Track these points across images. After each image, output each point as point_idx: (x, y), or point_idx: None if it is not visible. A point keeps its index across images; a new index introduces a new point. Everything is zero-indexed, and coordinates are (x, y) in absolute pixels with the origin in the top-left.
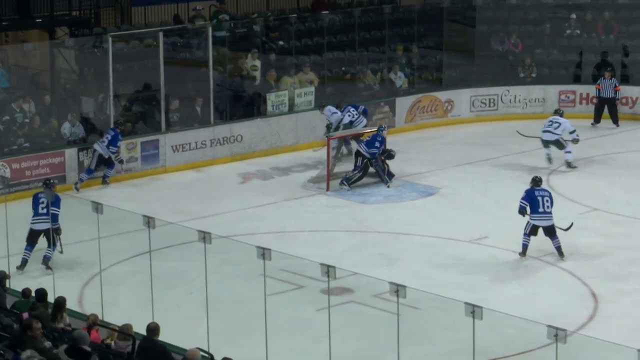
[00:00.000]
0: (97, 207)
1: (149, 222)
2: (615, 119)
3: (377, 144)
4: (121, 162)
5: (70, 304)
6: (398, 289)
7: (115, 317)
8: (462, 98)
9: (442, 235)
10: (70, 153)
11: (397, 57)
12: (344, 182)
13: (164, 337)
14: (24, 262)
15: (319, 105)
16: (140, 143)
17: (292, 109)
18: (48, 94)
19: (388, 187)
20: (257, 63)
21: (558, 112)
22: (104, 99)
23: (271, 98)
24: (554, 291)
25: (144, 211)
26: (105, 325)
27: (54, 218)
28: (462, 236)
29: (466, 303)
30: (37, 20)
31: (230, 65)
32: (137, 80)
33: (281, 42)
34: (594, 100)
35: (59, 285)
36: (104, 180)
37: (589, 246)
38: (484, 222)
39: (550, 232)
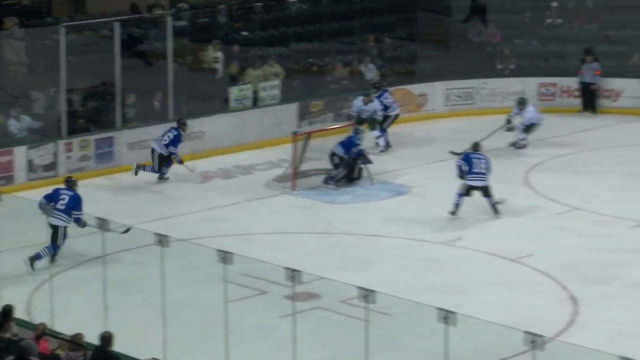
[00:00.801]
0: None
1: (103, 224)
2: (592, 105)
3: (354, 148)
4: (181, 162)
5: (18, 312)
6: (367, 294)
7: (66, 326)
8: (436, 91)
9: (414, 236)
10: (20, 151)
11: (367, 48)
12: (329, 180)
13: (118, 346)
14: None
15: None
16: (95, 140)
17: (256, 104)
18: None
19: (373, 184)
20: (219, 55)
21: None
22: (55, 93)
23: (234, 92)
24: (531, 295)
25: (98, 213)
26: (55, 335)
27: (77, 221)
28: (435, 237)
29: (439, 309)
30: None
31: (190, 57)
32: (91, 73)
33: (245, 33)
34: (578, 87)
35: (6, 293)
36: (162, 177)
37: (568, 247)
38: (458, 222)
39: (486, 192)
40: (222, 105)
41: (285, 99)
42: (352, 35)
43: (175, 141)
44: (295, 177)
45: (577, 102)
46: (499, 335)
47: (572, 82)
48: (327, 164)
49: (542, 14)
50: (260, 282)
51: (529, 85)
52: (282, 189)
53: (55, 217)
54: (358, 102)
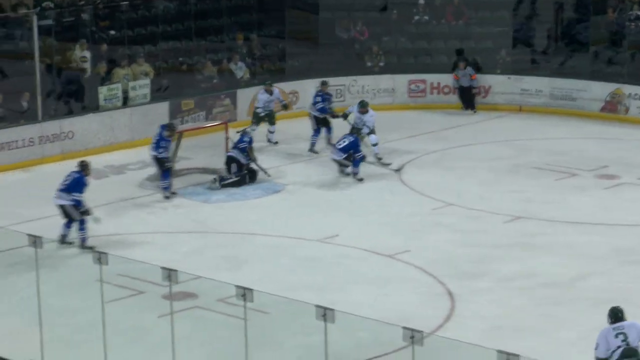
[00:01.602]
0: None
1: None
2: (472, 105)
3: (240, 144)
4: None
5: None
6: (245, 293)
7: None
8: (306, 89)
9: (289, 234)
10: None
11: (236, 46)
12: (221, 180)
13: None
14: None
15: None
16: None
17: (126, 103)
18: None
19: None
20: (87, 54)
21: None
22: None
23: (103, 91)
24: (408, 291)
25: None
26: None
27: (77, 203)
28: (310, 235)
29: (317, 306)
30: None
31: (58, 56)
32: None
33: (112, 32)
34: (455, 91)
35: None
36: (166, 195)
37: (443, 243)
38: (333, 219)
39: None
40: (91, 105)
41: (156, 98)
42: (221, 34)
43: (158, 144)
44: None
45: (447, 98)
46: (378, 331)
47: (442, 79)
48: (201, 163)
49: (409, 11)
50: (136, 282)
51: (398, 82)
52: (155, 189)
53: (56, 197)
54: (262, 95)
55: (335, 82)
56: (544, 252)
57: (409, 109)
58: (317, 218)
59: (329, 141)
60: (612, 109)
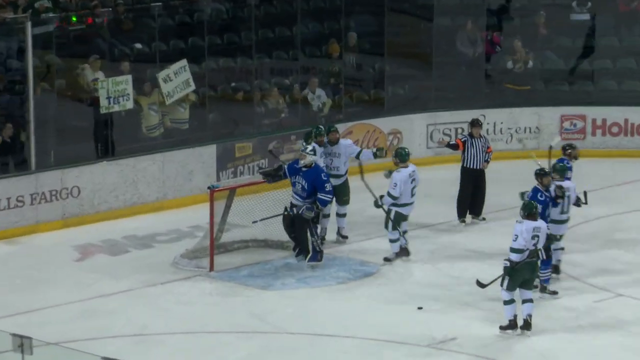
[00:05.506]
0: None
1: None
2: (478, 209)
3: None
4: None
5: None
6: None
7: None
8: (414, 128)
9: (385, 336)
10: None
11: (315, 66)
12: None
13: None
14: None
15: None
16: None
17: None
18: None
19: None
20: (101, 75)
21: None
22: None
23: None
24: None
25: None
26: None
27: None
28: (414, 338)
29: None
30: None
31: (60, 79)
32: None
33: (138, 45)
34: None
35: None
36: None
37: (607, 346)
38: (445, 315)
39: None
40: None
41: (198, 138)
42: (293, 48)
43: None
44: (213, 251)
45: (616, 141)
46: None
47: (609, 114)
48: (261, 233)
49: (563, 13)
50: None
51: (546, 118)
52: (195, 269)
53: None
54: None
55: (453, 118)
56: None
57: (560, 156)
58: (424, 313)
59: None
60: None
